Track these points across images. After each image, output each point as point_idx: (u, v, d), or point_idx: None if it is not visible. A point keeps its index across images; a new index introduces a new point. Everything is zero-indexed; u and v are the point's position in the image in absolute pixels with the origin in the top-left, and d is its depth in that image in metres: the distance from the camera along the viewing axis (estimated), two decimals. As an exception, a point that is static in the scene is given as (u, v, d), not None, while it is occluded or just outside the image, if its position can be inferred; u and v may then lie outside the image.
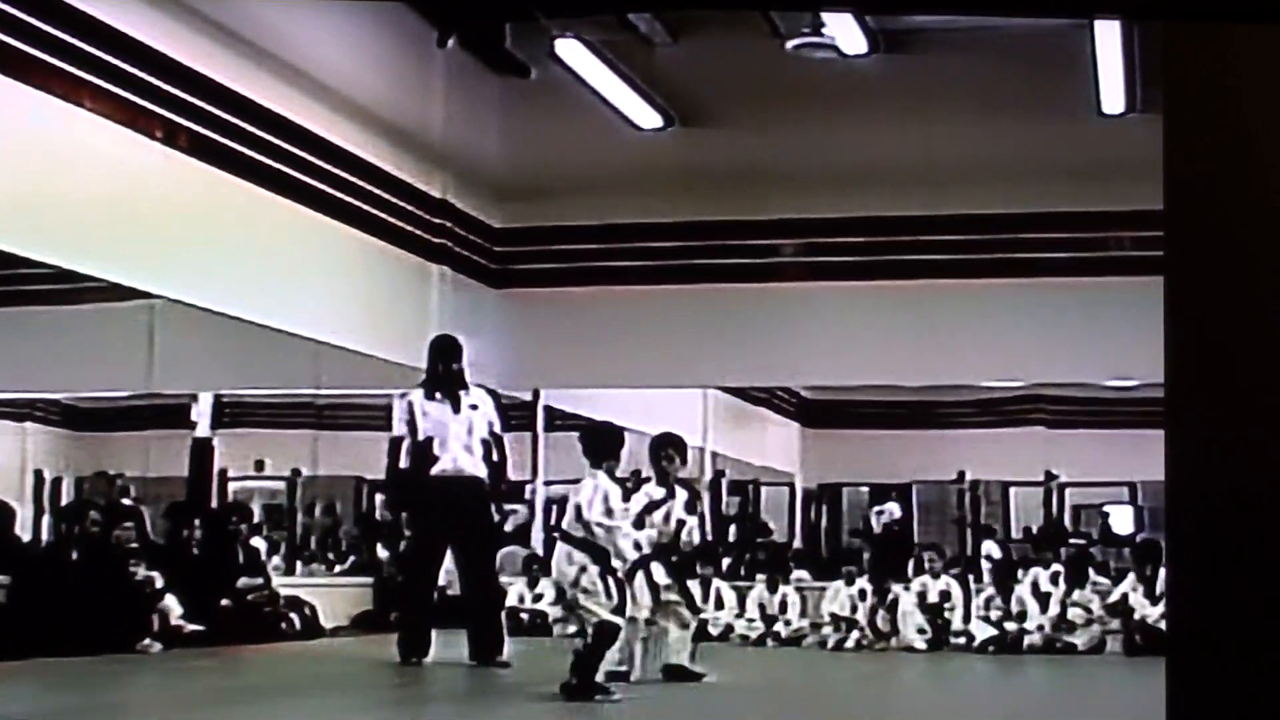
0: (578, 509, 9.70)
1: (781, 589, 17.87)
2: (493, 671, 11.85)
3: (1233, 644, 3.79)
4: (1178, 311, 3.88)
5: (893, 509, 24.20)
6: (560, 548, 9.82)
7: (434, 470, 12.09)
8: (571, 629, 9.96)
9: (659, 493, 11.45)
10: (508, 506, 13.39)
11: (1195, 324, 3.87)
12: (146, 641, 13.16)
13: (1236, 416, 3.83)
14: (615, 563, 9.79)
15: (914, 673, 14.92)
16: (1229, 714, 3.79)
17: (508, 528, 15.42)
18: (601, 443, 10.15)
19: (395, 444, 12.20)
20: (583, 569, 9.61)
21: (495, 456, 12.41)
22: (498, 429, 12.56)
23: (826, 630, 17.05)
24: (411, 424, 12.15)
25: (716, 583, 18.16)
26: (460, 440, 12.16)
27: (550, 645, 15.49)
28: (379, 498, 17.04)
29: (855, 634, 16.79)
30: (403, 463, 12.17)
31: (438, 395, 12.27)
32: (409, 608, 12.57)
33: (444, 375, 12.41)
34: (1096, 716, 11.02)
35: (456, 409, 12.23)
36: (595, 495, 9.74)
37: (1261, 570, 3.77)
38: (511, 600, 17.62)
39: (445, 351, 12.57)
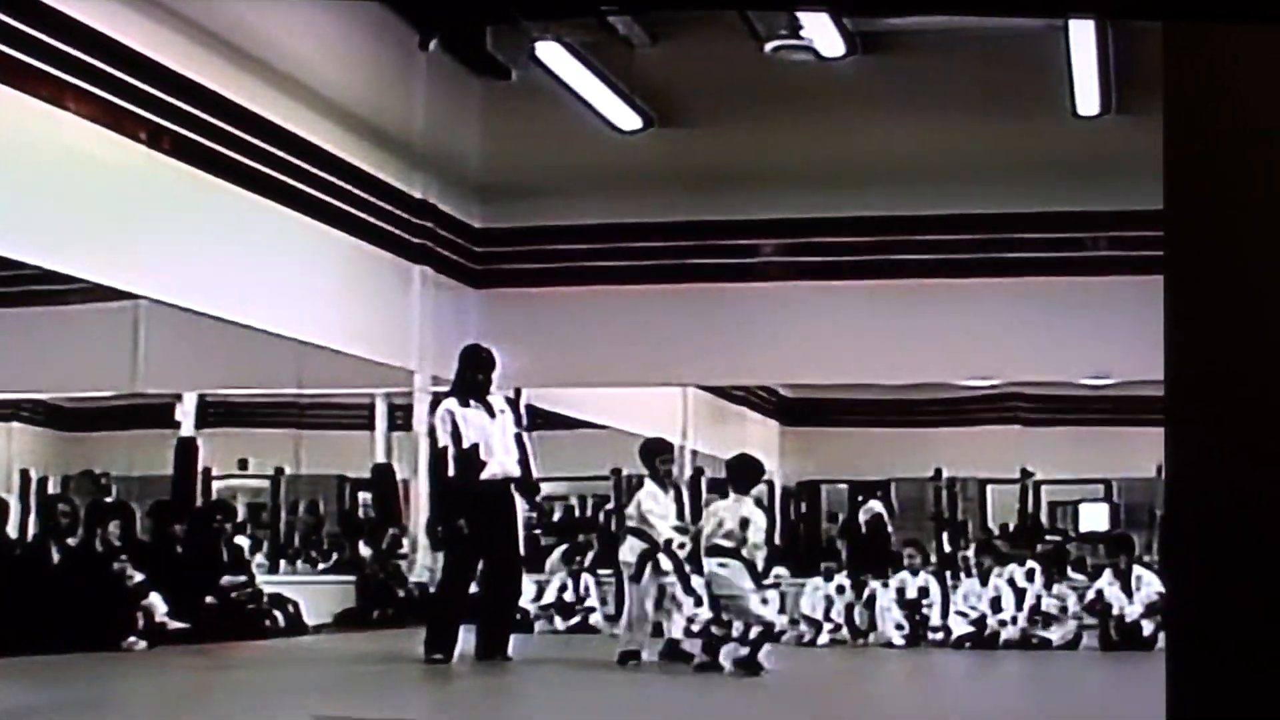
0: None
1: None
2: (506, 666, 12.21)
3: (1232, 642, 3.81)
4: (1177, 310, 3.89)
5: (873, 505, 24.29)
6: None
7: (484, 475, 12.28)
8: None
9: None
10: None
11: (1195, 323, 3.87)
12: (131, 639, 13.23)
13: (1236, 416, 3.84)
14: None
15: (910, 667, 15.06)
16: (1228, 711, 3.81)
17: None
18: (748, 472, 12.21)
19: (442, 454, 12.32)
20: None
21: (519, 456, 12.63)
22: (518, 429, 12.81)
23: (804, 627, 17.15)
24: (456, 433, 12.27)
25: (697, 580, 18.25)
26: (502, 444, 12.43)
27: (537, 643, 15.62)
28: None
29: (832, 629, 16.91)
30: (450, 471, 12.30)
31: (472, 402, 12.46)
32: (446, 608, 12.51)
33: (481, 383, 12.61)
34: (1079, 710, 11.17)
35: (492, 414, 12.48)
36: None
37: (1261, 569, 3.79)
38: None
39: (478, 361, 12.74)
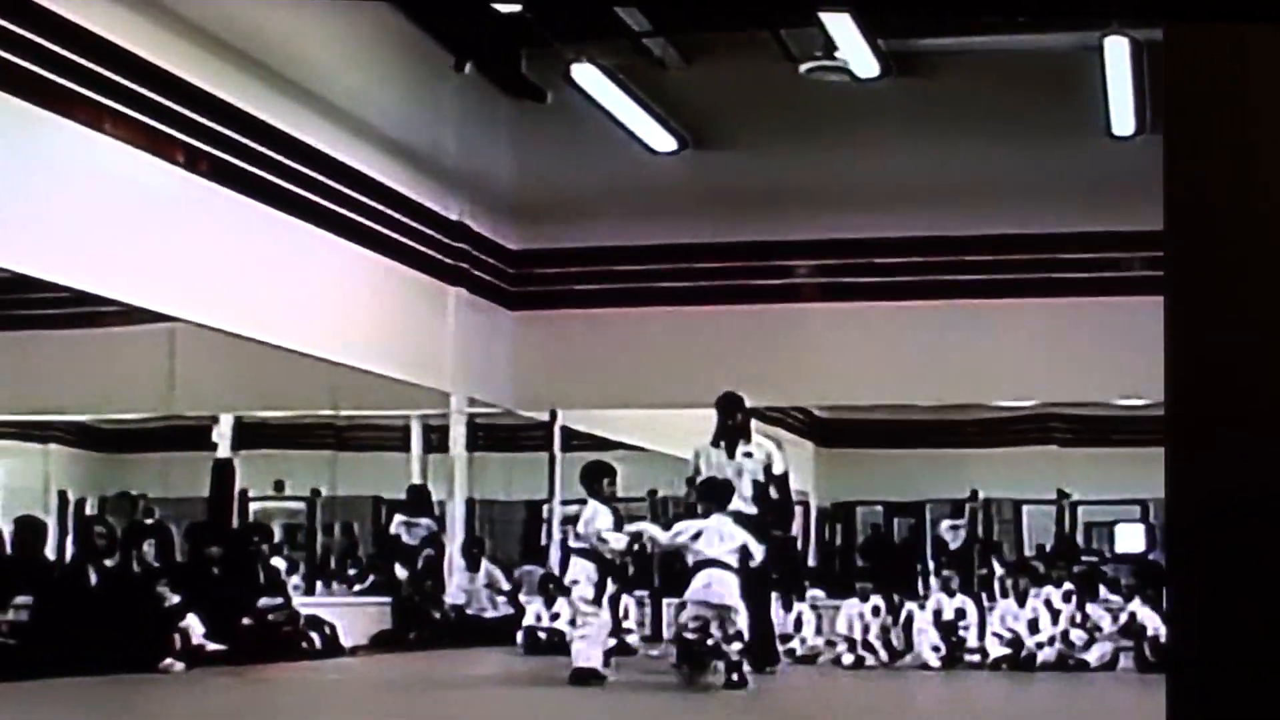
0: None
1: (796, 607, 17.89)
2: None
3: (1233, 661, 3.79)
4: (1177, 329, 3.89)
5: (963, 523, 24.21)
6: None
7: None
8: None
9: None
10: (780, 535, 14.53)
11: (1195, 341, 3.86)
12: (168, 660, 13.26)
13: (1236, 434, 3.81)
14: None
15: (953, 689, 15.03)
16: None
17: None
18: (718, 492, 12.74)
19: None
20: None
21: (775, 495, 14.09)
22: (777, 471, 14.17)
23: (841, 648, 17.07)
24: (696, 467, 13.95)
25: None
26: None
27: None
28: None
29: (865, 651, 16.81)
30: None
31: (721, 444, 14.01)
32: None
33: (730, 427, 14.11)
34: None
35: (731, 455, 13.90)
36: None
37: (1262, 587, 3.76)
38: (529, 620, 17.72)
39: (724, 407, 14.26)
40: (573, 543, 12.78)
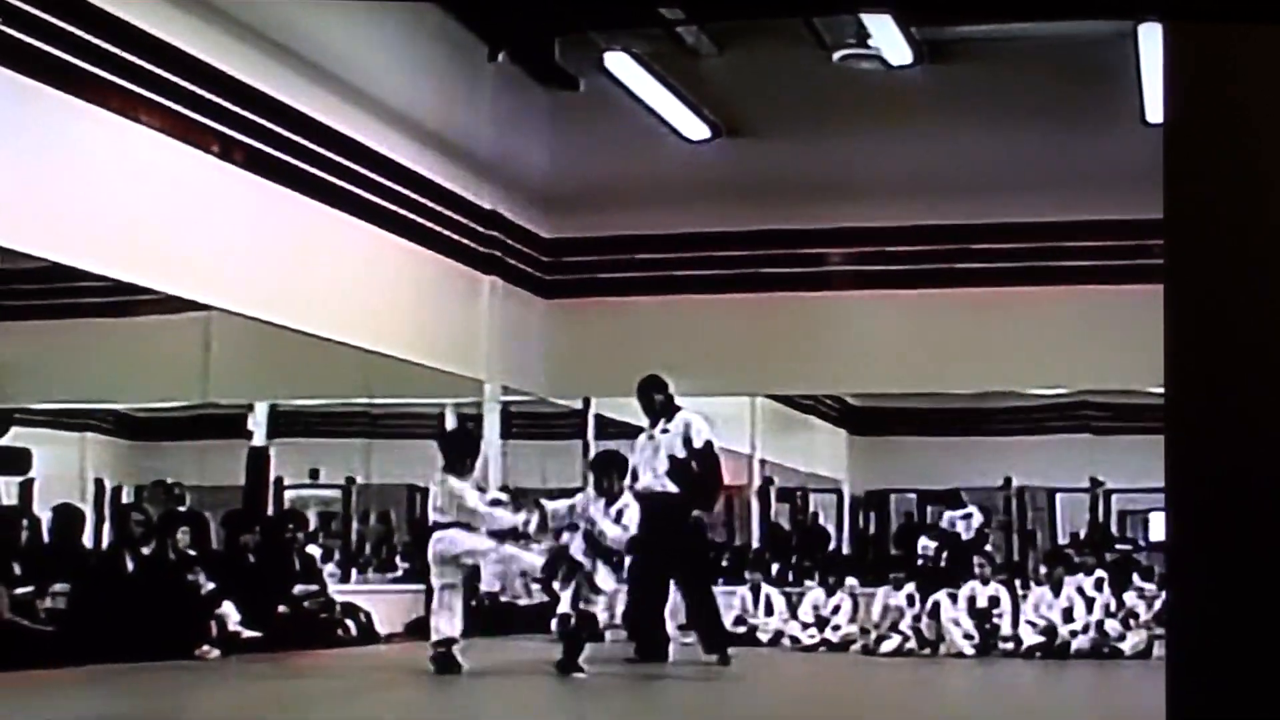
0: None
1: (836, 594, 17.91)
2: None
3: (1231, 648, 3.82)
4: (1177, 319, 3.99)
5: (974, 511, 24.18)
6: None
7: (636, 488, 13.02)
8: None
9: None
10: (697, 514, 13.83)
11: (1194, 331, 3.94)
12: (204, 647, 13.32)
13: (1235, 422, 3.85)
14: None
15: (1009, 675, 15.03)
16: (1228, 715, 3.82)
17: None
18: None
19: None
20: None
21: (696, 469, 13.49)
22: (697, 444, 13.55)
23: (875, 635, 17.08)
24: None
25: (766, 588, 18.34)
26: (648, 463, 13.39)
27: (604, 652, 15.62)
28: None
29: (900, 639, 16.82)
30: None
31: (648, 428, 13.71)
32: (634, 614, 13.48)
33: (653, 409, 13.78)
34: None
35: (651, 436, 13.60)
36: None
37: (1261, 576, 3.79)
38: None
39: (643, 391, 13.95)
40: (461, 517, 11.92)
